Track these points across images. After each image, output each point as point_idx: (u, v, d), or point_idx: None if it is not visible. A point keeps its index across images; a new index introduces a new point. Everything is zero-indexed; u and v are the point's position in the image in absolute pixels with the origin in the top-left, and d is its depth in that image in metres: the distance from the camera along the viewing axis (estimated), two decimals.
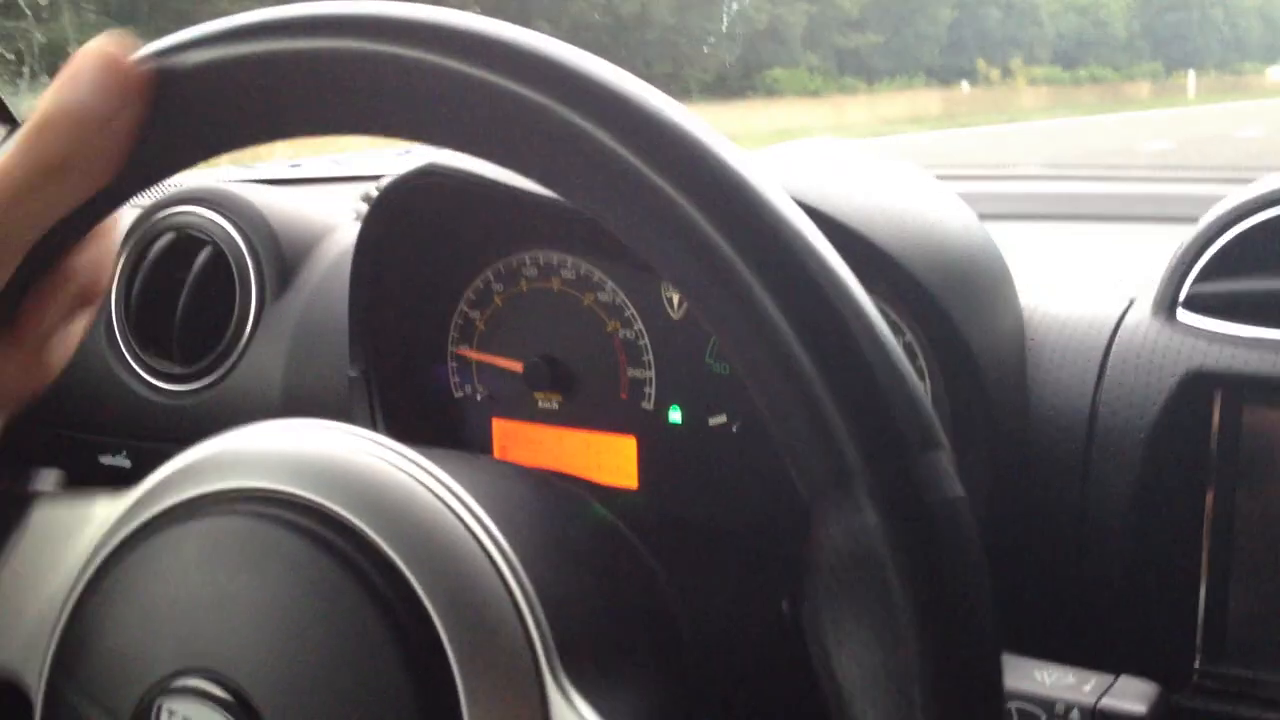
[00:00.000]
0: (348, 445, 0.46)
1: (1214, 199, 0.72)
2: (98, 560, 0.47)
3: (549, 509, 0.56)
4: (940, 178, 0.75)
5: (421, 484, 0.45)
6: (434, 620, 0.42)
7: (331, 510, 0.44)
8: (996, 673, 0.36)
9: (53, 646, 0.47)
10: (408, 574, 0.42)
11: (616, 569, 0.55)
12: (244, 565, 0.43)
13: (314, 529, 0.43)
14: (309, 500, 0.44)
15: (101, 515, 0.49)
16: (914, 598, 0.35)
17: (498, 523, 0.45)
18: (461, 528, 0.44)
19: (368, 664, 0.41)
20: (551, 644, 0.43)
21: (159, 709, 0.43)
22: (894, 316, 0.68)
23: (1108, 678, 0.57)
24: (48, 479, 0.52)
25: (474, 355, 0.82)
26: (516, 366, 0.80)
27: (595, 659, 0.46)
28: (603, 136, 0.37)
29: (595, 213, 0.39)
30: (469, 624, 0.42)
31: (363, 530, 0.43)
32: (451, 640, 0.42)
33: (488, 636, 0.42)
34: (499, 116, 0.38)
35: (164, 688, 0.43)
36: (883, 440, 0.35)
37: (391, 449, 0.46)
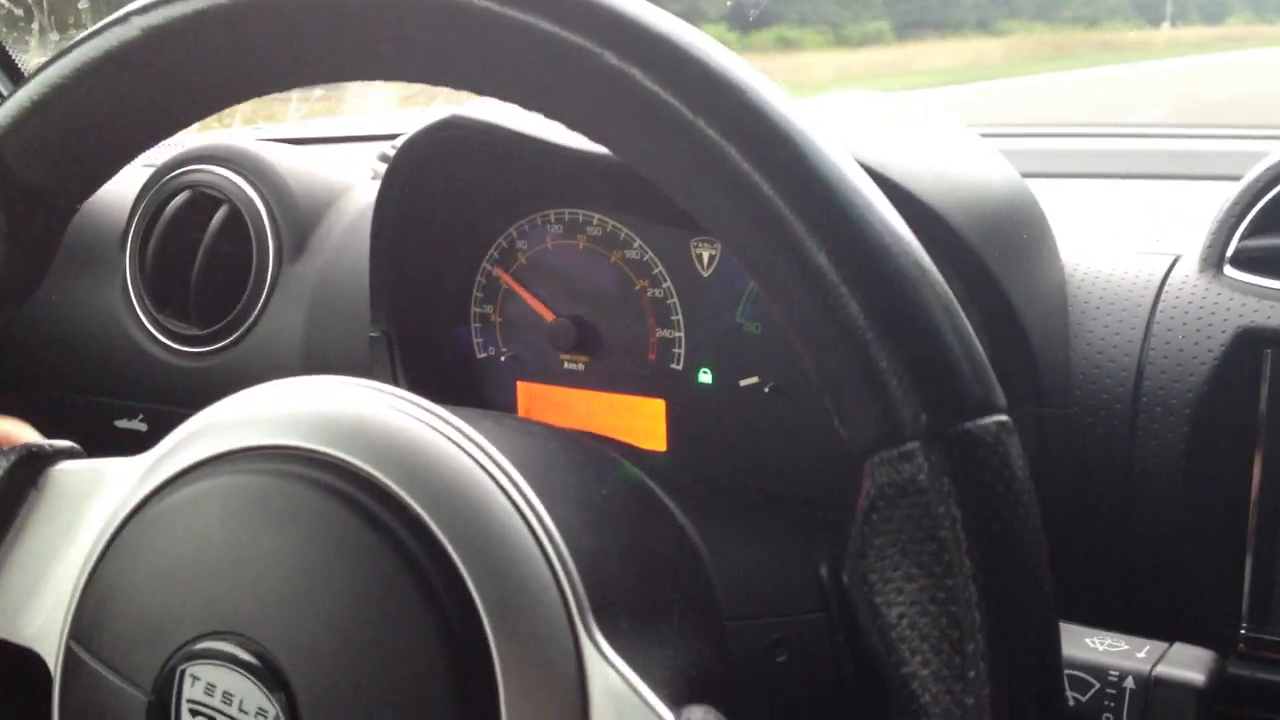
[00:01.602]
0: (370, 401, 0.45)
1: (1255, 155, 0.70)
2: (114, 524, 0.45)
3: (578, 467, 0.54)
4: (983, 135, 0.73)
5: (448, 439, 0.44)
6: (465, 578, 0.40)
7: (356, 466, 0.42)
8: (1054, 631, 0.35)
9: (70, 615, 0.46)
10: (436, 531, 0.41)
11: (648, 527, 0.53)
12: (267, 524, 0.42)
13: (339, 486, 0.42)
14: (333, 457, 0.43)
15: (117, 479, 0.47)
16: (970, 550, 0.34)
17: (527, 479, 0.43)
18: (490, 483, 0.43)
19: (397, 623, 0.40)
20: (585, 600, 0.42)
21: (182, 674, 0.42)
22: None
23: (1161, 645, 0.55)
24: (61, 447, 0.51)
25: (512, 283, 0.80)
26: (548, 314, 0.78)
27: (629, 615, 0.44)
28: (650, 83, 0.36)
29: (635, 161, 0.37)
30: (501, 581, 0.41)
31: (389, 486, 0.42)
32: (483, 598, 0.40)
33: (520, 593, 0.41)
34: (534, 58, 0.37)
35: (187, 653, 0.42)
36: (942, 400, 0.34)
37: (415, 404, 0.45)
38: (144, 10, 0.41)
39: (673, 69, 0.36)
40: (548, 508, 0.43)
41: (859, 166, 0.36)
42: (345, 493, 0.41)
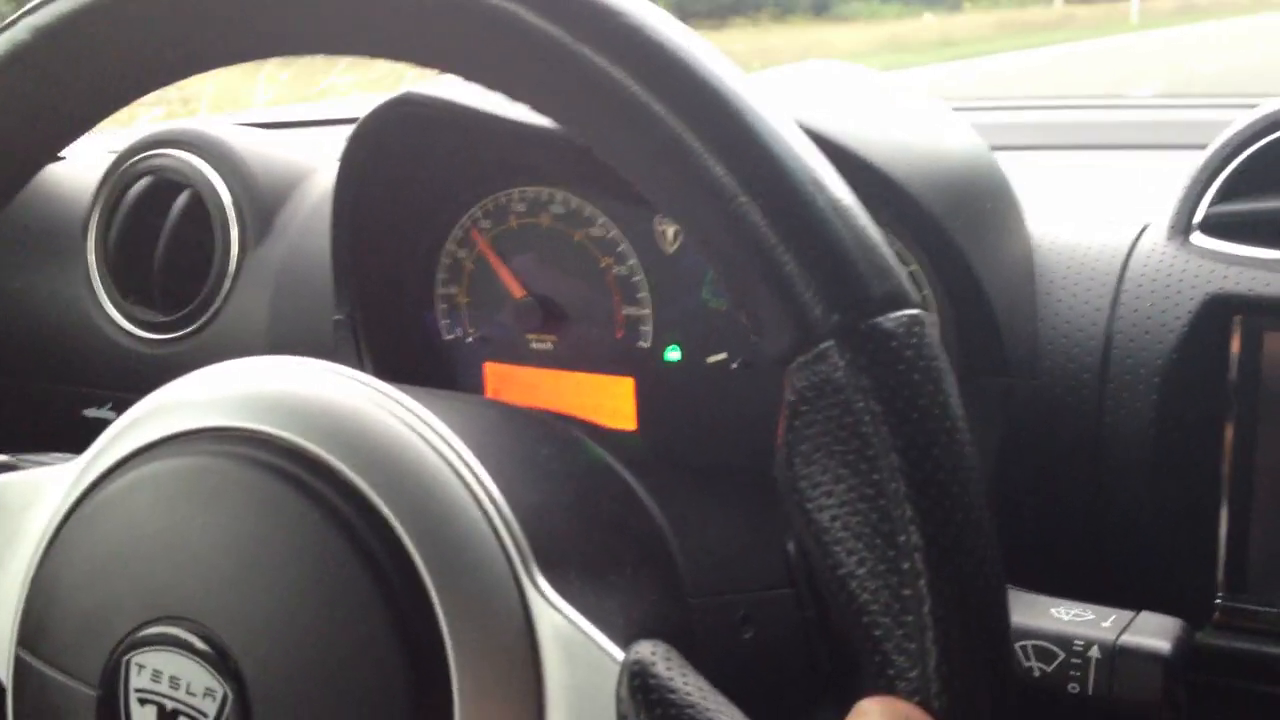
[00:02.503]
0: (295, 374, 0.45)
1: (1219, 125, 0.69)
2: (52, 528, 0.45)
3: (520, 430, 0.54)
4: (955, 109, 0.73)
5: (374, 404, 0.43)
6: (403, 539, 0.40)
7: (282, 438, 0.42)
8: (986, 517, 0.35)
9: (17, 623, 0.45)
10: (369, 493, 0.41)
11: (593, 483, 0.53)
12: (199, 505, 0.41)
13: (266, 459, 0.41)
14: (258, 432, 0.42)
15: (53, 486, 0.47)
16: (894, 443, 0.34)
17: (467, 441, 0.43)
18: (423, 444, 0.42)
19: (335, 589, 0.40)
20: (528, 550, 0.42)
21: (128, 665, 0.41)
22: (899, 245, 0.66)
23: (1127, 614, 0.54)
24: None
25: (489, 252, 0.78)
26: (518, 291, 0.77)
27: (577, 566, 0.44)
28: (531, 15, 0.35)
29: (546, 111, 0.37)
30: (440, 539, 0.41)
31: (316, 453, 0.41)
32: (424, 557, 0.40)
33: (461, 550, 0.41)
34: (470, 28, 0.36)
35: (131, 642, 0.41)
36: (850, 298, 0.35)
37: (341, 373, 0.45)
38: (34, 10, 0.41)
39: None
40: (486, 464, 0.43)
41: (748, 83, 0.36)
42: (273, 465, 0.41)
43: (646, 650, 0.38)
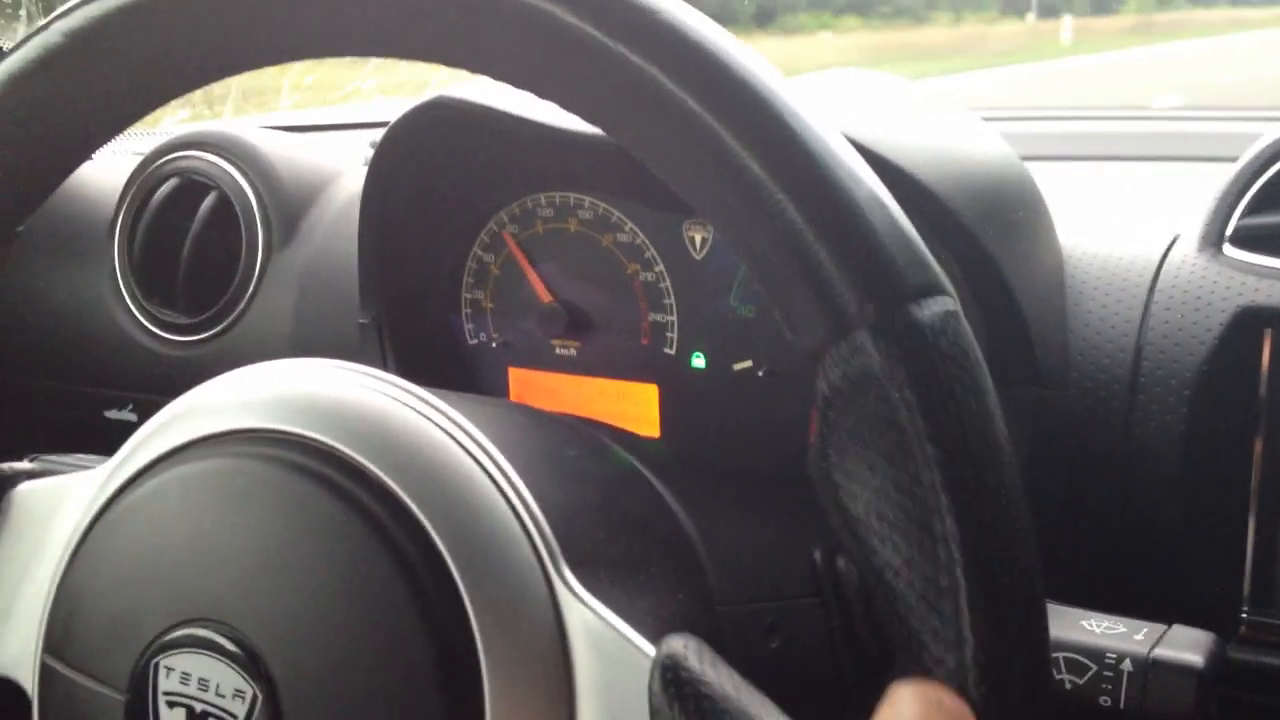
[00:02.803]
0: (322, 375, 0.45)
1: (1246, 137, 0.69)
2: (78, 534, 0.45)
3: (547, 432, 0.54)
4: (985, 119, 0.72)
5: (403, 404, 0.43)
6: (434, 538, 0.40)
7: (314, 439, 0.42)
8: (1022, 507, 0.35)
9: (43, 630, 0.45)
10: (399, 493, 0.41)
11: (620, 485, 0.53)
12: (227, 507, 0.41)
13: (295, 459, 0.41)
14: (286, 433, 0.42)
15: (79, 492, 0.47)
16: (930, 433, 0.34)
17: (495, 442, 0.43)
18: (452, 444, 0.42)
19: (367, 590, 0.39)
20: (557, 550, 0.42)
21: (156, 668, 0.41)
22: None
23: (1160, 627, 0.54)
24: (22, 468, 0.50)
25: (519, 253, 0.78)
26: (545, 295, 0.77)
27: (606, 565, 0.44)
28: (569, 16, 0.35)
29: (579, 112, 0.37)
30: (471, 539, 0.41)
31: (346, 453, 0.41)
32: (453, 556, 0.40)
33: (491, 549, 0.41)
34: (503, 28, 0.36)
35: (159, 645, 0.41)
36: (885, 288, 0.35)
37: (369, 374, 0.45)
38: (65, 14, 0.41)
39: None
40: (516, 465, 0.43)
41: (782, 80, 0.37)
42: (303, 465, 0.41)
43: (679, 644, 0.38)
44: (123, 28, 0.40)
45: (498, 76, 0.38)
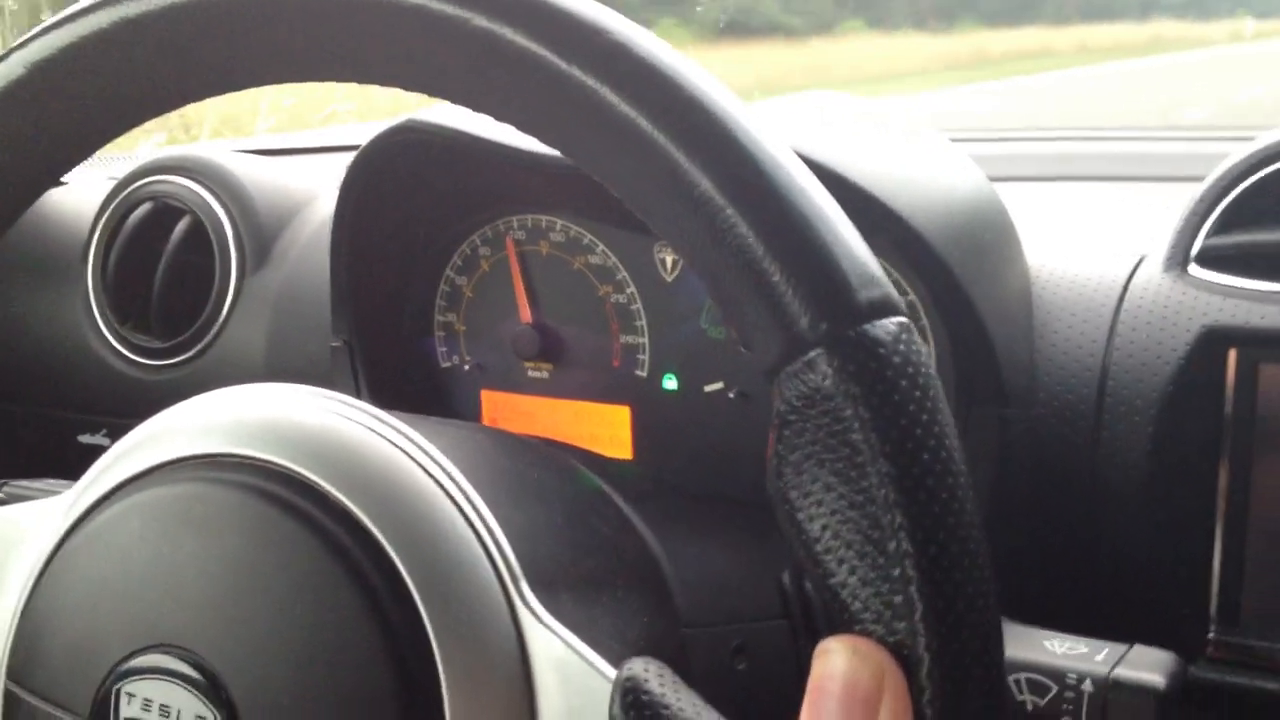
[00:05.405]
0: (281, 399, 0.45)
1: (1214, 157, 0.69)
2: (40, 562, 0.45)
3: (512, 454, 0.54)
4: (953, 139, 0.73)
5: (363, 425, 0.43)
6: (394, 560, 0.40)
7: (273, 464, 0.42)
8: (976, 523, 0.35)
9: (6, 658, 0.45)
10: (359, 515, 0.41)
11: (584, 506, 0.53)
12: (189, 531, 0.41)
13: (257, 485, 0.41)
14: (248, 457, 0.42)
15: (40, 521, 0.47)
16: (883, 449, 0.34)
17: (458, 465, 0.43)
18: (413, 465, 0.42)
19: (329, 614, 0.39)
20: (519, 571, 0.42)
21: (118, 694, 0.41)
22: (897, 275, 0.66)
23: (1121, 647, 0.54)
24: None
25: (514, 264, 0.78)
26: (526, 315, 0.77)
27: (569, 586, 0.44)
28: (517, 36, 0.36)
29: (539, 135, 0.38)
30: (431, 561, 0.40)
31: (305, 476, 0.41)
32: (414, 579, 0.40)
33: (453, 572, 0.41)
34: (464, 53, 0.37)
35: (121, 671, 0.41)
36: (839, 305, 0.35)
37: (329, 397, 0.45)
38: (23, 45, 0.41)
39: (540, 21, 0.36)
40: (477, 486, 0.43)
41: (733, 98, 0.37)
42: (263, 489, 0.41)
43: (640, 667, 0.38)
44: (81, 58, 0.40)
45: (454, 100, 0.39)
